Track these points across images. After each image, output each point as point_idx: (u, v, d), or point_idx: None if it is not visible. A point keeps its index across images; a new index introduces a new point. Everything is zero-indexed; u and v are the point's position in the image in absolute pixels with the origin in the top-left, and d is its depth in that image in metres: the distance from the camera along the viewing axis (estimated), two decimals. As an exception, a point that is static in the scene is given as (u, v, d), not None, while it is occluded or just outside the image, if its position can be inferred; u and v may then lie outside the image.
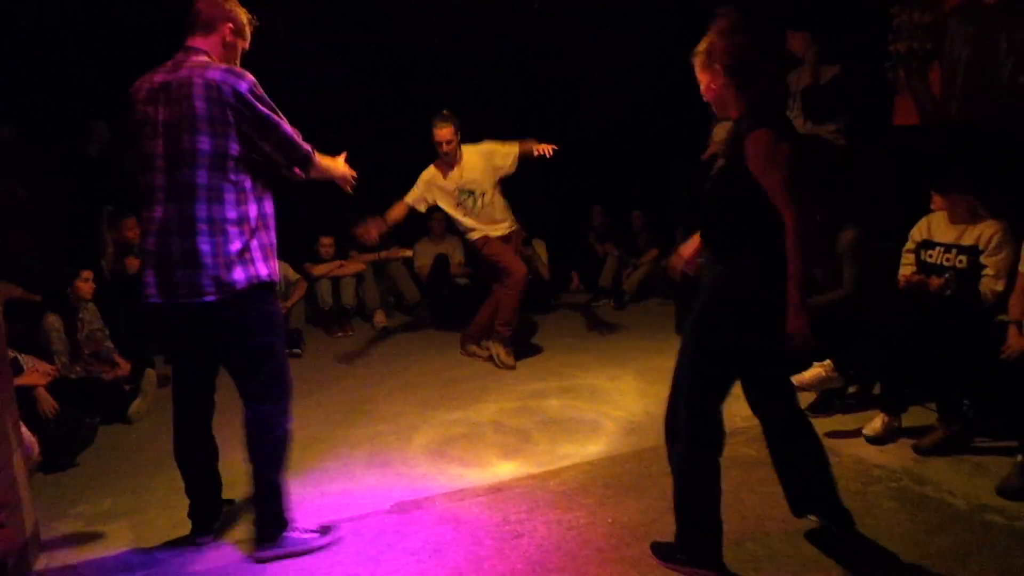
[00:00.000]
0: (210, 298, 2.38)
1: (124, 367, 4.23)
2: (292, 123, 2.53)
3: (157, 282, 2.42)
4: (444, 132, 4.58)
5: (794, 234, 2.12)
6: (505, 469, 3.28)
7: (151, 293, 2.43)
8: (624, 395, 4.22)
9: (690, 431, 2.30)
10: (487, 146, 4.68)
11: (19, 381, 3.30)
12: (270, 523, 2.60)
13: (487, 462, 3.36)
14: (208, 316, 2.41)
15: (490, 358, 4.83)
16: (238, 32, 2.53)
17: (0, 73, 5.25)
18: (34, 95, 5.46)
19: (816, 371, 3.40)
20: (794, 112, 4.49)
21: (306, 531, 2.67)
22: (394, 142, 6.58)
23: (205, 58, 2.43)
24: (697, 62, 2.29)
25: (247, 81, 2.38)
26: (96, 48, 5.61)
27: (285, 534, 2.61)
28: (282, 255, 5.81)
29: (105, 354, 4.24)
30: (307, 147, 2.55)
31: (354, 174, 2.80)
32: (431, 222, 6.74)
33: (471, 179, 4.67)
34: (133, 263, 4.85)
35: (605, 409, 4.00)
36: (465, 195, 4.70)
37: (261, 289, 2.47)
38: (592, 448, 3.48)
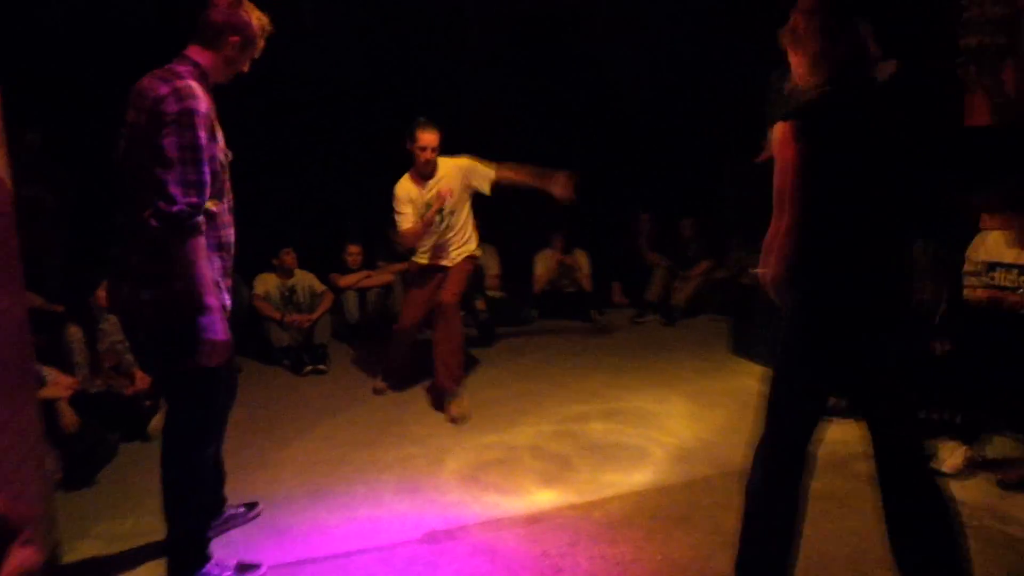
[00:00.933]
0: None
1: (144, 381, 4.35)
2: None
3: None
4: (430, 137, 4.40)
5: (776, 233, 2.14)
6: (544, 498, 3.30)
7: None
8: (673, 419, 4.21)
9: (766, 457, 2.26)
10: (466, 161, 4.53)
11: (42, 394, 3.43)
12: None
13: (525, 490, 3.39)
14: None
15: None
16: (245, 45, 2.53)
17: (27, 75, 5.46)
18: (63, 98, 5.65)
19: (954, 461, 3.35)
20: None
21: (223, 568, 2.67)
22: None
23: (186, 69, 2.43)
24: (784, 41, 2.27)
25: (183, 106, 2.32)
26: (129, 50, 5.79)
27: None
28: (308, 264, 6.03)
29: (125, 367, 4.37)
30: (183, 208, 2.30)
31: (223, 343, 2.40)
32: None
33: (442, 196, 4.53)
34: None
35: (653, 434, 4.00)
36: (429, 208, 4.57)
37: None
38: (638, 477, 3.48)
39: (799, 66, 2.19)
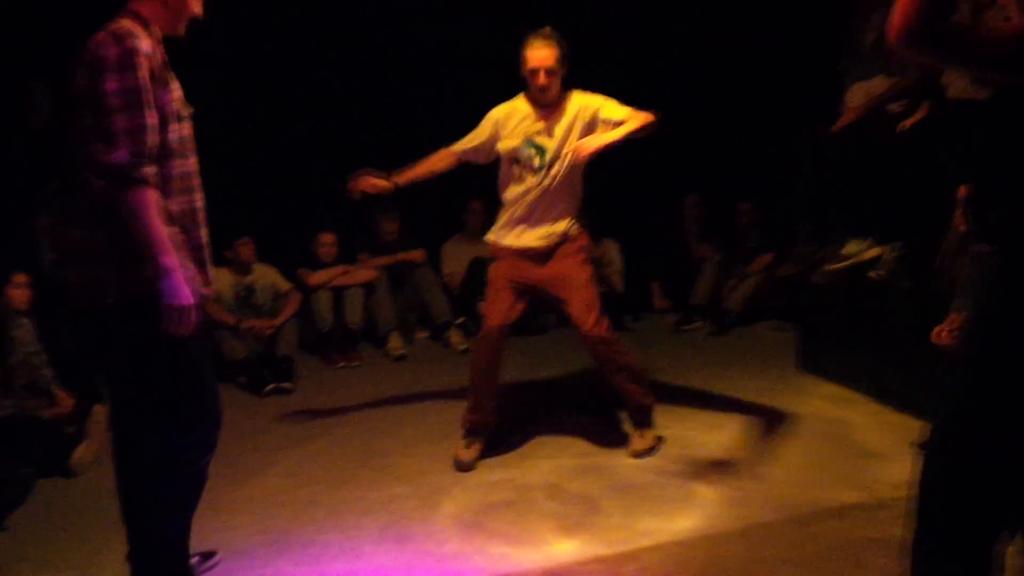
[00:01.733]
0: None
1: (66, 403, 4.37)
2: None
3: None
4: (543, 55, 3.96)
5: None
6: (564, 548, 3.30)
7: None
8: (726, 452, 4.20)
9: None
10: (597, 103, 4.07)
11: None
12: None
13: (540, 539, 3.38)
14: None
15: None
16: None
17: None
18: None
19: None
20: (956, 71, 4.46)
21: None
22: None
23: (126, 19, 2.62)
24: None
25: (122, 47, 2.51)
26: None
27: None
28: (270, 257, 6.06)
29: (41, 385, 4.40)
30: (127, 157, 2.49)
31: (188, 307, 2.57)
32: (466, 214, 6.84)
33: (555, 134, 4.06)
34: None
35: (700, 471, 3.99)
36: (531, 149, 4.09)
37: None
38: (683, 523, 3.47)
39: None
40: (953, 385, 1.96)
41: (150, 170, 2.52)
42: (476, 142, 4.22)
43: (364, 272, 6.36)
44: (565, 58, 4.01)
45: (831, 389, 5.04)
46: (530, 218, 4.15)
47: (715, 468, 4.01)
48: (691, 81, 7.31)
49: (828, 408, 4.76)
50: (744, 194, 7.07)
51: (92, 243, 2.61)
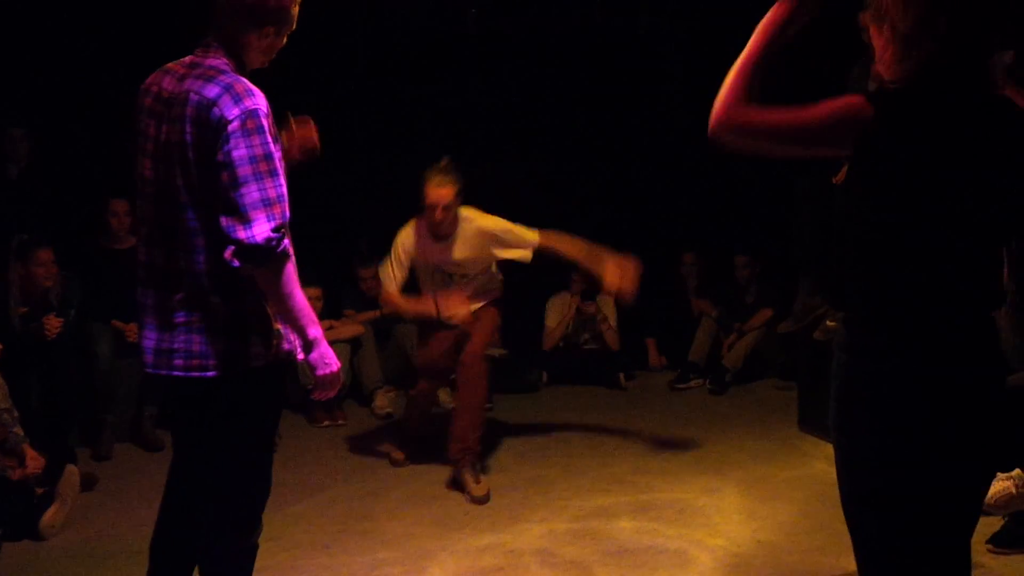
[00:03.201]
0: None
1: (37, 463, 4.34)
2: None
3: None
4: (441, 193, 4.57)
5: None
6: (556, 618, 3.28)
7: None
8: (725, 516, 4.19)
9: None
10: (498, 224, 4.69)
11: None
12: None
13: (531, 607, 3.37)
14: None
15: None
16: (281, 27, 2.56)
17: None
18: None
19: (1002, 485, 3.36)
20: None
21: None
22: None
23: (222, 61, 2.49)
24: (865, 19, 2.14)
25: (243, 107, 2.37)
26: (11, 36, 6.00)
27: None
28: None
29: (11, 444, 4.37)
30: (267, 235, 2.36)
31: (339, 371, 2.61)
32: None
33: (458, 260, 4.77)
34: (54, 323, 5.03)
35: (698, 535, 3.98)
36: (439, 275, 4.84)
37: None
38: (679, 591, 3.46)
39: (884, 51, 2.03)
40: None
41: (288, 242, 2.43)
42: (401, 269, 4.82)
43: (350, 328, 6.36)
44: (460, 193, 4.60)
45: (832, 450, 5.03)
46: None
47: (713, 533, 4.00)
48: (688, 130, 7.39)
49: (830, 470, 4.68)
50: (742, 247, 7.11)
51: (203, 311, 2.51)
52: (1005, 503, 3.37)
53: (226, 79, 2.42)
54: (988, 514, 3.43)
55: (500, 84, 7.32)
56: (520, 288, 6.63)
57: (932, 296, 1.88)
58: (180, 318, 2.51)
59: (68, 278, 5.34)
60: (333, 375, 2.57)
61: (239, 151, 2.35)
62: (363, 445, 5.51)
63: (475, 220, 4.68)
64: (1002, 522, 3.64)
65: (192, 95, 2.42)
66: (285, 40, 2.65)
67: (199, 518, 2.67)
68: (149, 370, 2.58)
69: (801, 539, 3.87)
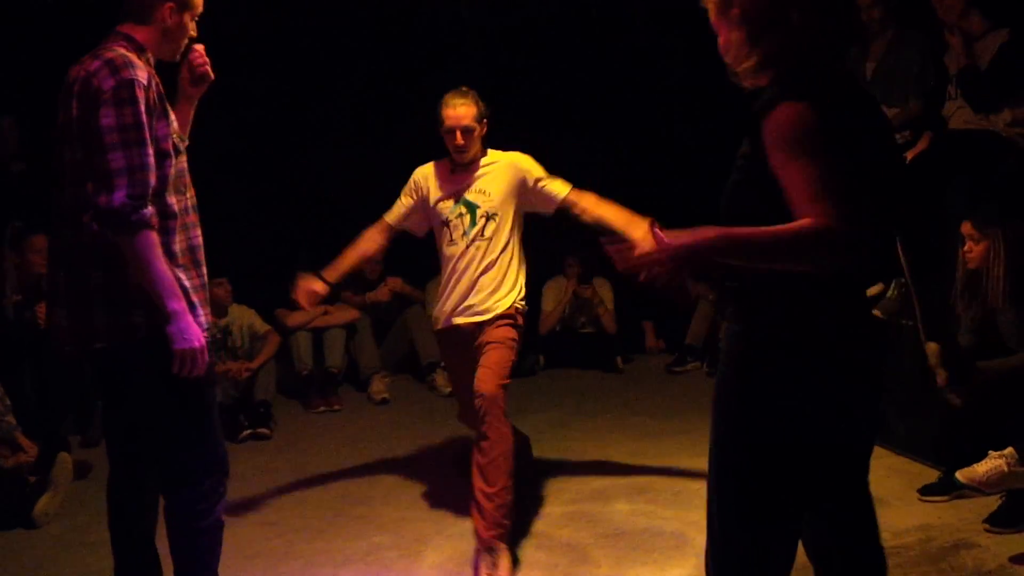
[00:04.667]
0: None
1: (29, 451, 4.33)
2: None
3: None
4: (460, 113, 3.91)
5: (810, 231, 1.82)
6: (552, 601, 3.27)
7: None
8: (722, 498, 4.19)
9: None
10: (528, 164, 4.03)
11: None
12: None
13: (527, 590, 3.36)
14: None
15: None
16: (182, 7, 2.67)
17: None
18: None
19: (993, 463, 3.36)
20: (956, 102, 4.50)
21: None
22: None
23: (120, 44, 2.59)
24: (710, 6, 2.11)
25: (119, 78, 2.46)
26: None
27: None
28: (247, 298, 6.05)
29: (4, 432, 4.36)
30: (123, 201, 2.42)
31: (199, 348, 2.57)
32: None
33: (483, 187, 4.00)
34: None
35: (694, 518, 3.96)
36: (462, 211, 4.00)
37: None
38: (675, 572, 3.46)
39: (728, 42, 2.08)
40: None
41: (150, 211, 2.48)
42: (406, 206, 4.13)
43: (346, 313, 6.34)
44: (483, 116, 3.99)
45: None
46: (469, 292, 3.98)
47: (710, 515, 3.99)
48: (687, 112, 7.38)
49: (828, 451, 4.74)
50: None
51: (83, 285, 2.58)
52: (997, 481, 3.37)
53: (109, 54, 2.52)
54: (983, 493, 3.44)
55: (502, 66, 7.28)
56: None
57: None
58: (71, 295, 2.61)
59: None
60: (191, 350, 2.54)
61: (108, 119, 2.45)
62: (359, 430, 5.51)
63: (506, 155, 4.06)
64: (999, 502, 3.64)
65: (80, 72, 2.54)
66: (193, 29, 2.73)
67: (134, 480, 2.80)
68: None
69: (798, 520, 3.86)
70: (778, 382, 2.02)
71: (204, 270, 2.76)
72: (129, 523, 2.82)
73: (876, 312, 4.74)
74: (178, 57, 2.76)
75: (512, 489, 3.63)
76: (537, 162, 4.05)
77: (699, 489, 4.26)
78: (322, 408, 5.94)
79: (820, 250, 1.84)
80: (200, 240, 2.75)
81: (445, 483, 4.51)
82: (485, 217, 3.97)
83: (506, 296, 3.96)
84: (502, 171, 4.01)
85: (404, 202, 4.13)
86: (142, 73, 2.51)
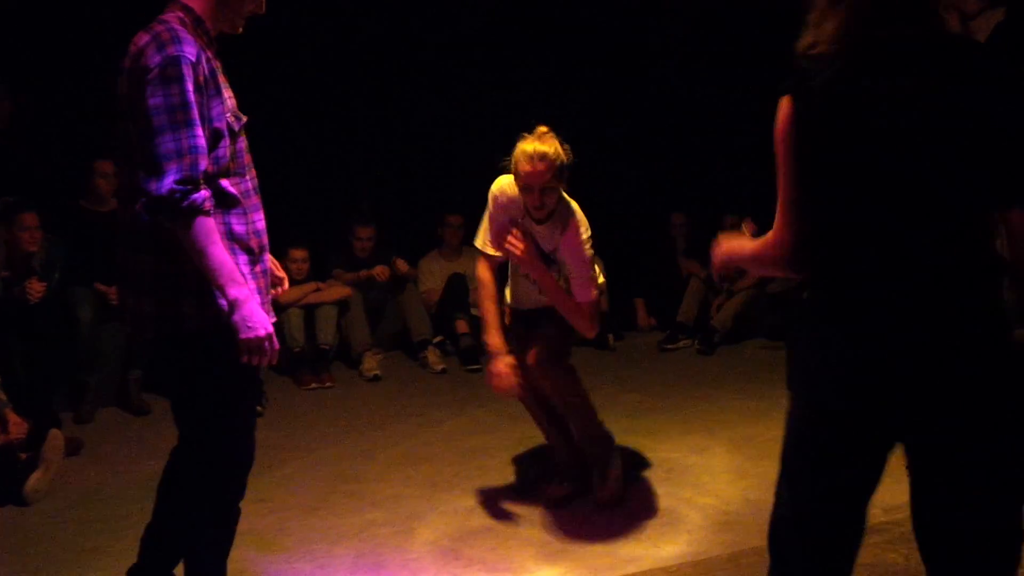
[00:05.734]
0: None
1: (20, 428, 4.31)
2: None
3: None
4: (539, 171, 3.54)
5: (767, 248, 2.04)
6: (546, 577, 3.28)
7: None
8: (714, 475, 4.21)
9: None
10: (586, 244, 3.86)
11: None
12: None
13: (520, 566, 3.37)
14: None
15: None
16: None
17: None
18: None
19: None
20: None
21: None
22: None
23: (173, 15, 2.46)
24: None
25: (165, 55, 2.33)
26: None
27: None
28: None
29: (-5, 409, 4.34)
30: (171, 187, 2.31)
31: (266, 336, 2.45)
32: (442, 229, 6.84)
33: (551, 247, 3.85)
34: (37, 288, 4.97)
35: (687, 494, 3.99)
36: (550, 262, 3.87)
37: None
38: (669, 549, 3.48)
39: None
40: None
41: (203, 195, 2.36)
42: (494, 226, 3.87)
43: (337, 290, 6.32)
44: (565, 170, 3.63)
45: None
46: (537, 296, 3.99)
47: (703, 492, 4.01)
48: (679, 90, 7.36)
49: (819, 429, 4.76)
50: (732, 207, 7.09)
51: (159, 271, 2.50)
52: None
53: (159, 27, 2.41)
54: None
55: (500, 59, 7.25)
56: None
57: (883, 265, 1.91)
58: (128, 280, 2.57)
59: (52, 241, 5.27)
60: (257, 340, 2.43)
61: (155, 99, 2.33)
62: (351, 407, 5.50)
63: (580, 218, 3.81)
64: None
65: (132, 47, 2.43)
66: (262, 4, 2.60)
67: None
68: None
69: (790, 497, 3.88)
70: (798, 345, 2.14)
71: (268, 255, 2.67)
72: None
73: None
74: (240, 29, 2.60)
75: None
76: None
77: (691, 466, 4.31)
78: (314, 385, 5.92)
79: (773, 265, 2.08)
80: (263, 224, 2.64)
81: (438, 460, 4.51)
82: (559, 266, 3.85)
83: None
84: (564, 249, 3.82)
85: (492, 236, 3.87)
86: (191, 49, 2.37)
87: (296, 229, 6.34)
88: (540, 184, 3.56)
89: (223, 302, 2.43)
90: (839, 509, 2.12)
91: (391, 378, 6.10)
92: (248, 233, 2.57)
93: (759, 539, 3.44)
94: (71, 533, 3.75)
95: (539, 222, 3.75)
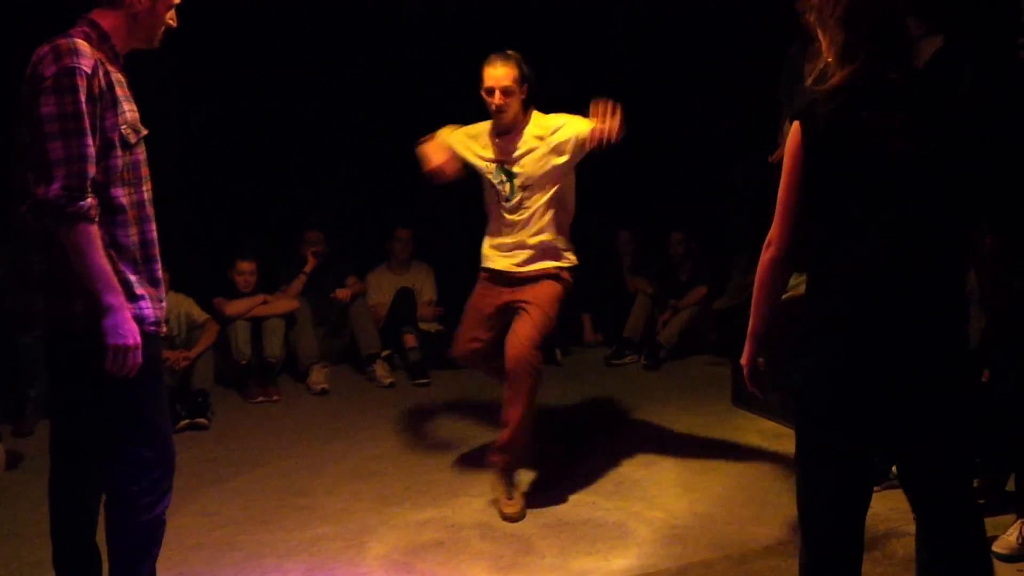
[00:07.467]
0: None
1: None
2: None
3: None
4: (499, 74, 3.91)
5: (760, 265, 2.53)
6: (497, 590, 3.29)
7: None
8: (662, 488, 4.25)
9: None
10: (556, 120, 4.04)
11: None
12: None
13: (472, 580, 3.37)
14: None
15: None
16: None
17: None
18: None
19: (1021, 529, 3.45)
20: None
21: None
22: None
23: (79, 30, 2.53)
24: (809, 17, 2.37)
25: (61, 65, 2.41)
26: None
27: None
28: (184, 286, 5.96)
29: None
30: (57, 192, 2.39)
31: (134, 346, 2.51)
32: (391, 243, 6.84)
33: (519, 156, 4.02)
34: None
35: (636, 508, 4.03)
36: (502, 174, 4.07)
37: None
38: (619, 562, 3.50)
39: (828, 53, 2.30)
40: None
41: (87, 203, 2.42)
42: (451, 147, 4.12)
43: (284, 303, 6.29)
44: (524, 79, 3.97)
45: (766, 425, 5.13)
46: (513, 248, 4.17)
47: (651, 505, 4.05)
48: (624, 108, 7.42)
49: (763, 444, 4.85)
50: (678, 223, 7.19)
51: (49, 271, 2.55)
52: (1014, 550, 3.42)
53: (61, 40, 2.48)
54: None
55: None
56: (454, 266, 6.64)
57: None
58: (19, 279, 2.63)
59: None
60: (124, 347, 2.48)
61: (48, 107, 2.41)
62: (298, 421, 5.47)
63: (550, 131, 4.00)
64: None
65: (33, 57, 2.50)
66: (173, 18, 2.68)
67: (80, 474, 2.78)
68: None
69: (737, 510, 3.94)
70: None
71: (158, 265, 2.69)
72: (70, 516, 2.78)
73: None
74: (156, 44, 2.69)
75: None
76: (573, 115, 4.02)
77: (640, 480, 4.36)
78: (261, 398, 5.87)
79: (770, 266, 2.60)
80: (154, 235, 2.69)
81: (387, 474, 4.50)
82: (523, 188, 4.05)
83: (545, 257, 4.12)
84: (543, 158, 4.01)
85: (452, 139, 4.14)
86: (87, 61, 2.44)
87: (243, 241, 6.30)
88: (500, 85, 3.90)
89: (141, 308, 2.55)
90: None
91: (339, 392, 6.07)
92: (135, 244, 2.61)
93: (707, 552, 3.54)
94: (13, 548, 3.68)
95: (502, 132, 4.04)
